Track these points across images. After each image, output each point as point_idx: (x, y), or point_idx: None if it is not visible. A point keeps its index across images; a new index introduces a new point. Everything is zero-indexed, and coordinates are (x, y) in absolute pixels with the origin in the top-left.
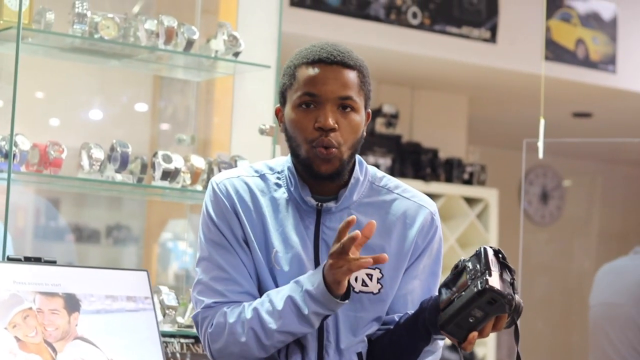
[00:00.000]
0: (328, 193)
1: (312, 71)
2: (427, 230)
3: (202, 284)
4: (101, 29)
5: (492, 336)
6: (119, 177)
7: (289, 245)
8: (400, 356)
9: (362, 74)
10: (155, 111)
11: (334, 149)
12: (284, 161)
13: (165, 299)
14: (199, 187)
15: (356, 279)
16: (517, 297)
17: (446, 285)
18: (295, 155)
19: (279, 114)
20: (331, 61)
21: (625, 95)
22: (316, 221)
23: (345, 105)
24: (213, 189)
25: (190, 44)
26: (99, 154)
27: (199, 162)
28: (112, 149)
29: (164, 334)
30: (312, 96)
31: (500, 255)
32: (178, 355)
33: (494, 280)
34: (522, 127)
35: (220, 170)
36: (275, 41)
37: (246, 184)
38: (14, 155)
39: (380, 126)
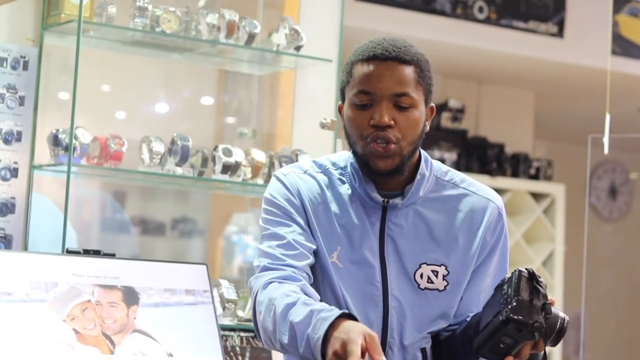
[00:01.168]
0: (393, 189)
1: (366, 68)
2: (494, 225)
3: (260, 251)
4: (162, 23)
5: None
6: (179, 170)
7: (353, 242)
8: None
9: (419, 68)
10: (220, 105)
11: (392, 145)
12: (346, 157)
13: (225, 293)
14: (260, 181)
15: (422, 276)
16: (555, 318)
17: (487, 305)
18: (353, 152)
19: (341, 110)
20: (385, 57)
21: None
22: (382, 217)
23: (401, 102)
24: (279, 179)
25: (251, 37)
26: (160, 147)
27: (260, 156)
28: (173, 142)
29: (223, 328)
30: (367, 94)
31: (534, 279)
32: (238, 349)
33: (518, 309)
34: (588, 122)
35: (281, 165)
36: (337, 35)
37: (313, 178)
38: (75, 148)
39: (446, 121)
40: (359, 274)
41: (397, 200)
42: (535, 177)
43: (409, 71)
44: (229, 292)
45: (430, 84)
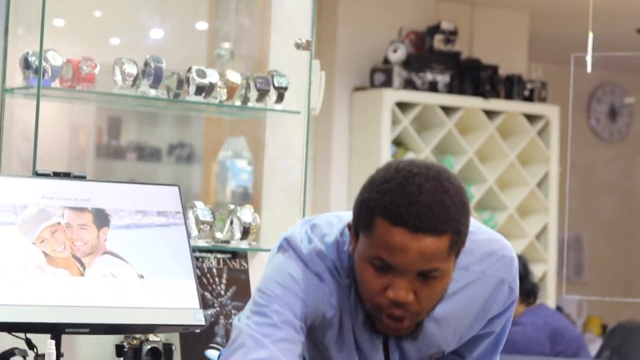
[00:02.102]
0: None
1: (391, 237)
2: (505, 300)
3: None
4: None
5: (553, 253)
6: (152, 92)
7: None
8: None
9: (455, 234)
10: (212, 29)
11: (406, 321)
12: (342, 249)
13: (200, 214)
14: (237, 102)
15: None
16: None
17: None
18: (357, 293)
19: (350, 229)
20: (417, 228)
21: None
22: (384, 341)
23: (428, 275)
24: (302, 261)
25: None
26: (132, 69)
27: (235, 77)
28: (146, 64)
29: (199, 250)
30: (387, 264)
31: None
32: (214, 270)
33: None
34: (585, 43)
35: (256, 86)
36: None
37: (324, 284)
38: (46, 71)
39: (439, 43)
40: None
41: (407, 340)
42: (529, 98)
43: (443, 243)
44: (204, 214)
45: (464, 241)
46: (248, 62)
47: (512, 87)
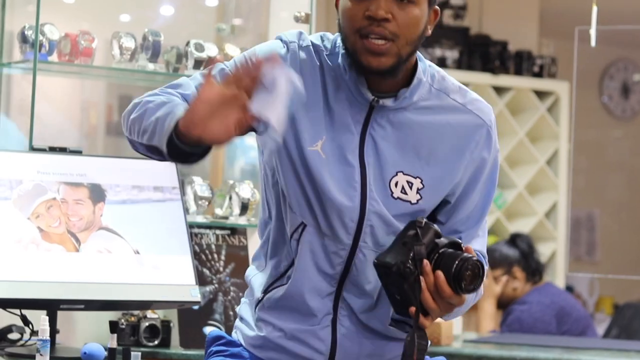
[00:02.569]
0: (385, 91)
1: None
2: (482, 146)
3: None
4: None
5: (563, 232)
6: (150, 66)
7: (335, 136)
8: None
9: None
10: (221, 5)
11: (387, 42)
12: (337, 39)
13: (198, 190)
14: None
15: (396, 184)
16: (449, 260)
17: None
18: (345, 49)
19: (337, 4)
20: None
21: None
22: (367, 116)
23: None
24: (278, 44)
25: None
26: (130, 43)
27: (234, 51)
28: (144, 38)
29: (198, 226)
30: None
31: (418, 226)
32: (213, 246)
33: (384, 253)
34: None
35: None
36: None
37: (310, 54)
38: (42, 44)
39: (447, 18)
40: (338, 170)
41: (388, 102)
42: (539, 75)
43: None
44: (202, 189)
45: None
46: (255, 37)
47: (521, 63)
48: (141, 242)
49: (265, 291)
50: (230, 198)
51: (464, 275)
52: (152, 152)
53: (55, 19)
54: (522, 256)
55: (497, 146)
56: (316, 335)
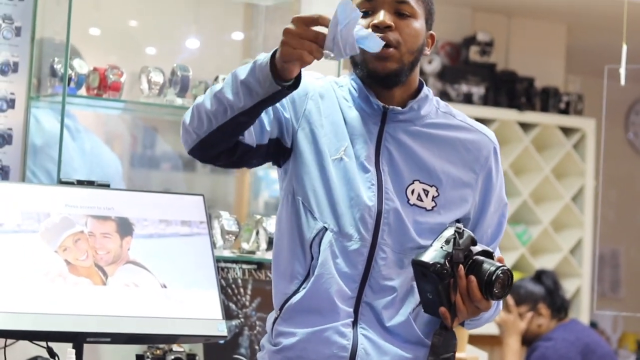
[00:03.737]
0: (395, 104)
1: None
2: (491, 162)
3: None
4: None
5: (588, 269)
6: (179, 101)
7: (353, 146)
8: None
9: None
10: (247, 39)
11: (391, 48)
12: (346, 79)
13: (225, 224)
14: None
15: (413, 192)
16: (484, 268)
17: None
18: (354, 64)
19: None
20: None
21: None
22: (380, 127)
23: (402, 10)
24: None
25: None
26: (158, 78)
27: None
28: (173, 73)
29: (225, 260)
30: (369, 1)
31: (457, 231)
32: (239, 281)
33: (422, 253)
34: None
35: None
36: None
37: (323, 80)
38: (71, 78)
39: (474, 54)
40: (358, 174)
41: (398, 108)
42: (565, 111)
43: None
44: (229, 224)
45: (431, 8)
46: None
47: (548, 100)
48: (168, 276)
49: (281, 308)
50: (257, 233)
51: (495, 282)
52: (242, 116)
53: (81, 51)
54: (548, 293)
55: (501, 167)
56: (338, 332)
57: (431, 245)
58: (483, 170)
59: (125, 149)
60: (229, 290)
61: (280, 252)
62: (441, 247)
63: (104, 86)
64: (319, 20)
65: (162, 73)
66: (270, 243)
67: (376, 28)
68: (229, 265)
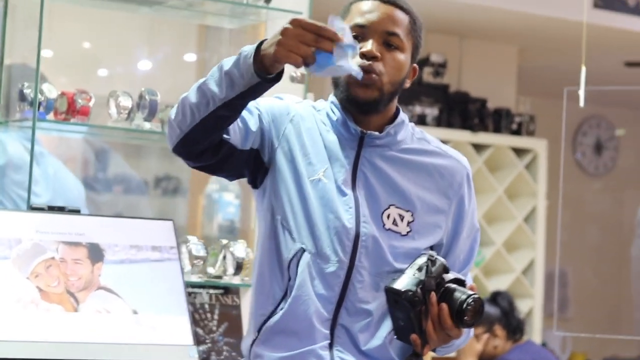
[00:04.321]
0: (370, 129)
1: (365, 5)
2: (465, 188)
3: None
4: None
5: (540, 288)
6: (147, 125)
7: (331, 169)
8: None
9: (413, 21)
10: (201, 61)
11: (374, 75)
12: (325, 103)
13: (194, 249)
14: None
15: (388, 216)
16: (456, 296)
17: None
18: (335, 85)
19: None
20: (386, 0)
21: None
22: (357, 152)
23: (391, 42)
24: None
25: None
26: (127, 102)
27: None
28: (141, 97)
29: (192, 285)
30: (360, 27)
31: (429, 259)
32: (207, 306)
33: (395, 280)
34: (573, 76)
35: None
36: None
37: (303, 105)
38: (41, 103)
39: (427, 75)
40: (336, 196)
41: (375, 133)
42: (517, 132)
43: (403, 17)
44: (197, 249)
45: (419, 43)
46: None
47: (500, 121)
48: (139, 302)
49: (259, 330)
50: (224, 257)
51: (467, 311)
52: (224, 109)
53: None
54: (503, 314)
55: (474, 194)
56: (316, 355)
57: (404, 272)
58: (456, 196)
59: (76, 171)
60: (196, 316)
61: (260, 271)
62: (414, 275)
63: (72, 110)
64: (319, 30)
65: (130, 97)
66: (238, 267)
67: (363, 56)
68: (195, 290)
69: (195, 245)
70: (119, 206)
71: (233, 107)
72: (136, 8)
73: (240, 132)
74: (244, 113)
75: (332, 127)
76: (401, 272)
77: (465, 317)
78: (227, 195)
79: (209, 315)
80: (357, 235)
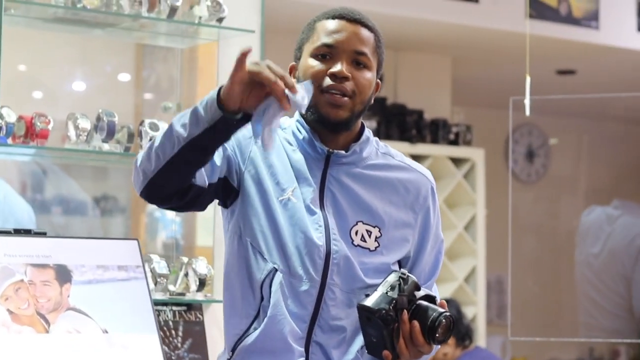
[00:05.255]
0: (336, 148)
1: (332, 24)
2: (430, 202)
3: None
4: None
5: (483, 296)
6: (106, 146)
7: (299, 186)
8: None
9: (378, 39)
10: (139, 80)
11: (346, 98)
12: (290, 120)
13: (157, 267)
14: None
15: (356, 233)
16: (427, 313)
17: None
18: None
19: (292, 72)
20: (352, 18)
21: (609, 51)
22: (324, 170)
23: (359, 60)
24: None
25: (173, 10)
26: (86, 124)
27: None
28: (99, 118)
29: (156, 303)
30: (329, 47)
31: (401, 277)
32: (171, 323)
33: (368, 298)
34: (506, 86)
35: None
36: (259, 6)
37: None
38: (0, 127)
39: None
40: (305, 215)
41: (341, 152)
42: (454, 142)
43: (370, 36)
44: (160, 267)
45: (382, 59)
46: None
47: (437, 131)
48: (109, 322)
49: (234, 349)
50: (187, 274)
51: (438, 328)
52: (190, 152)
53: None
54: None
55: (438, 206)
56: None
57: (376, 290)
58: (422, 209)
59: (29, 195)
60: (161, 333)
61: (230, 292)
62: (386, 293)
63: (31, 134)
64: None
65: (88, 119)
66: (201, 284)
67: (334, 77)
68: (159, 308)
69: (158, 264)
70: (59, 228)
71: (198, 148)
72: (89, 30)
73: (206, 171)
74: None
75: (298, 146)
76: (373, 287)
77: (437, 335)
78: (169, 214)
79: (173, 332)
80: (328, 254)
